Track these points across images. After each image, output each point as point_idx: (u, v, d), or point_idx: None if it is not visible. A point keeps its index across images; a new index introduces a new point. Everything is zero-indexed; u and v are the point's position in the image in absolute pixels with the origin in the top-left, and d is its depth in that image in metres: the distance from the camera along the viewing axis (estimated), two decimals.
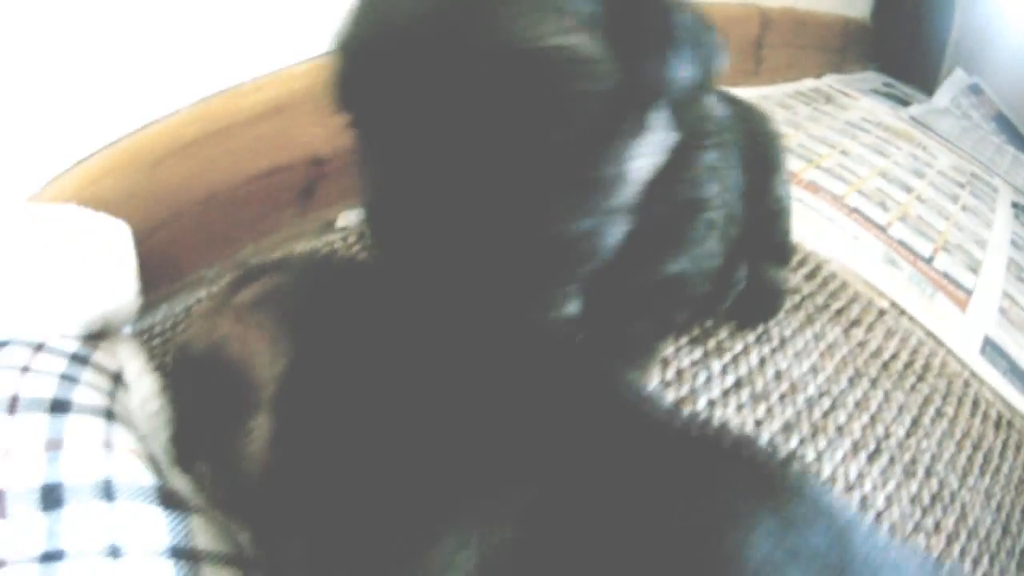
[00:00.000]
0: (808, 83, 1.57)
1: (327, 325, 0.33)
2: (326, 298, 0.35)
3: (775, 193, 0.61)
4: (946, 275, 0.88)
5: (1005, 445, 0.65)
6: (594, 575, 0.22)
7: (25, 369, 0.41)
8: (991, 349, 0.80)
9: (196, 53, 0.62)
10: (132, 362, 0.48)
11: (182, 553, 0.35)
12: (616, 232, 0.35)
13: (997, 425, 0.67)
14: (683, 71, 0.34)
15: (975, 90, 1.90)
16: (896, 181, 1.11)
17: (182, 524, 0.36)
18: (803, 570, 0.22)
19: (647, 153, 0.36)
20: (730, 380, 0.57)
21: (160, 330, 0.56)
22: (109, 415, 0.41)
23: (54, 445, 0.37)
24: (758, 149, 0.57)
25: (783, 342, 0.62)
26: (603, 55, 0.31)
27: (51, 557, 0.32)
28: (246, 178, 0.67)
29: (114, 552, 0.33)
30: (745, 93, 1.29)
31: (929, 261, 0.90)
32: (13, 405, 0.38)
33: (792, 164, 1.02)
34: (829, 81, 1.64)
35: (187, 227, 0.64)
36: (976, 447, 0.63)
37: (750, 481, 0.27)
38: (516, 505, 0.24)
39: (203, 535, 0.37)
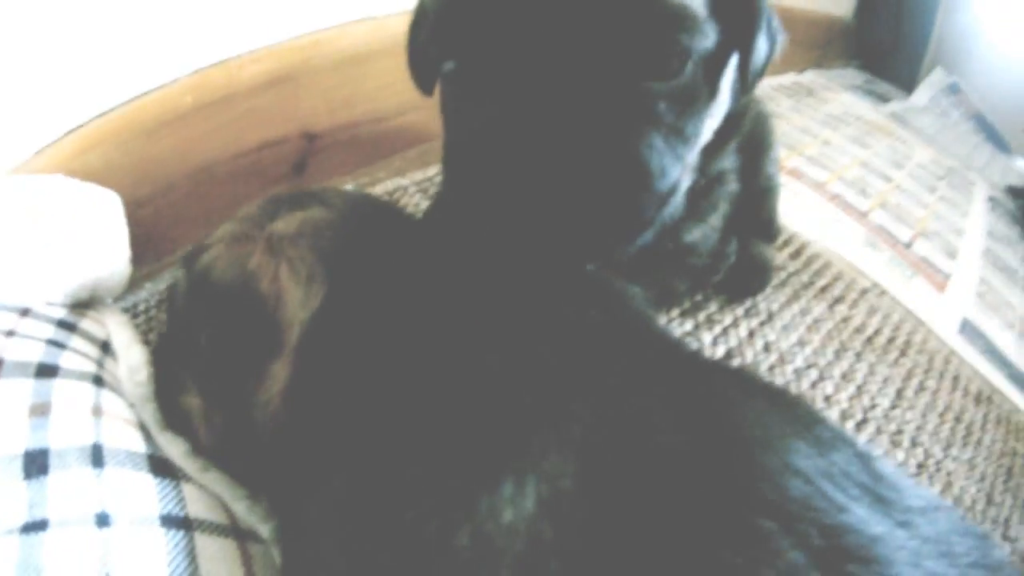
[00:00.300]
0: (790, 77, 1.61)
1: (365, 269, 0.33)
2: (366, 241, 0.34)
3: (766, 171, 0.64)
4: (925, 259, 0.92)
5: (986, 419, 0.68)
6: (650, 508, 0.23)
7: (10, 333, 0.40)
8: (969, 329, 0.83)
9: (193, 23, 0.62)
10: (120, 332, 0.48)
11: (174, 521, 0.34)
12: (685, 187, 0.37)
13: (977, 400, 0.70)
14: (763, 50, 0.38)
15: (954, 89, 1.96)
16: (876, 171, 1.14)
17: (174, 492, 0.35)
18: (837, 486, 0.24)
19: (715, 117, 0.38)
20: (721, 351, 0.59)
21: (144, 307, 0.56)
22: (98, 381, 0.40)
23: (40, 410, 0.36)
24: (751, 130, 0.59)
25: (771, 316, 0.64)
26: (710, 19, 0.33)
27: (34, 527, 0.30)
28: (239, 151, 0.67)
29: (102, 520, 0.31)
30: None
31: (908, 246, 0.93)
32: None
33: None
34: (810, 76, 1.69)
35: (177, 200, 0.64)
36: (958, 420, 0.65)
37: (779, 408, 0.29)
38: (566, 443, 0.24)
39: (196, 504, 0.36)
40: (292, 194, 0.39)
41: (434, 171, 0.76)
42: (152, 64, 0.60)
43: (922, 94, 1.92)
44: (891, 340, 0.69)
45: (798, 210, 0.87)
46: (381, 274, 0.33)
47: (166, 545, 0.32)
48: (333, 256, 0.32)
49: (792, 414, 0.27)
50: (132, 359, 0.46)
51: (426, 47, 0.38)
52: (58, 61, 0.54)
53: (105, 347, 0.45)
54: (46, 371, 0.38)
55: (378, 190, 0.72)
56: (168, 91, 0.61)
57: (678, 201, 0.36)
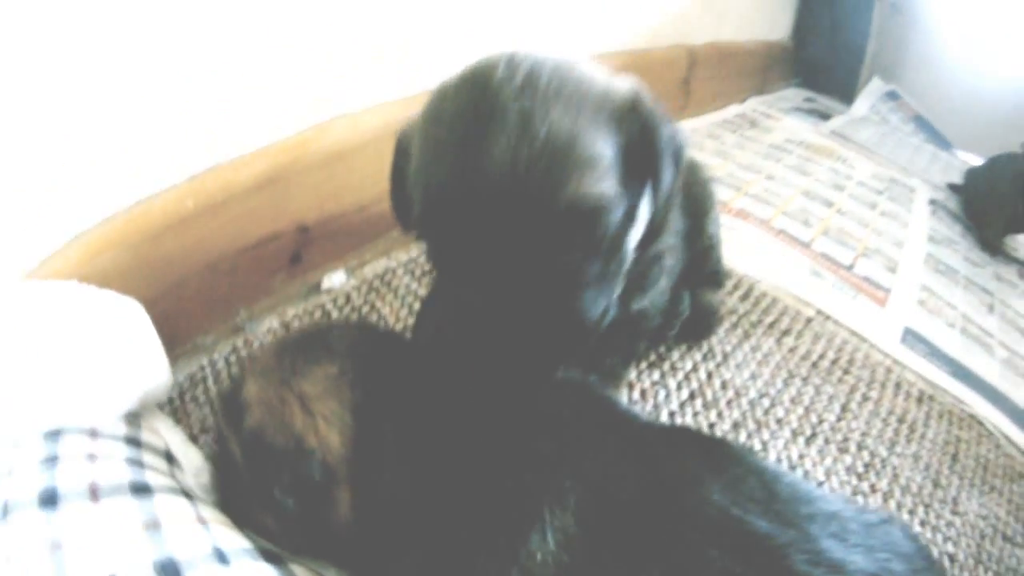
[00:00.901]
0: (733, 110, 1.77)
1: (382, 408, 0.44)
2: (378, 384, 0.46)
3: (708, 231, 0.77)
4: (866, 279, 1.06)
5: (928, 415, 0.82)
6: (623, 535, 0.36)
7: (92, 456, 0.46)
8: (911, 337, 0.97)
9: (185, 130, 0.68)
10: (173, 437, 0.56)
11: None
12: (615, 296, 0.50)
13: (919, 400, 0.83)
14: (668, 178, 0.47)
15: (893, 96, 2.14)
16: (818, 198, 1.30)
17: (286, 573, 0.44)
18: (743, 508, 0.37)
19: (636, 236, 0.50)
20: (685, 394, 0.72)
21: (167, 398, 0.63)
22: (186, 494, 0.47)
23: (153, 525, 0.42)
24: (694, 195, 0.72)
25: (726, 357, 0.78)
26: (619, 190, 0.43)
27: None
28: (240, 247, 0.75)
29: None
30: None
31: (850, 268, 1.08)
32: (94, 493, 0.43)
33: (723, 194, 1.20)
34: (752, 105, 1.85)
35: (185, 296, 0.71)
36: (901, 420, 0.79)
37: (709, 455, 0.42)
38: (566, 507, 0.37)
39: None
40: (301, 341, 0.50)
41: (416, 252, 0.89)
42: (150, 171, 0.66)
43: (862, 104, 2.11)
44: (835, 361, 0.83)
45: (746, 252, 1.02)
46: (394, 401, 0.45)
47: None
48: (353, 400, 0.44)
49: (716, 460, 0.41)
50: (192, 462, 0.55)
51: (404, 208, 0.50)
52: (58, 170, 0.59)
53: (168, 456, 0.53)
54: (141, 489, 0.45)
55: (367, 272, 0.85)
56: (169, 196, 0.67)
57: (612, 309, 0.49)
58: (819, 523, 0.37)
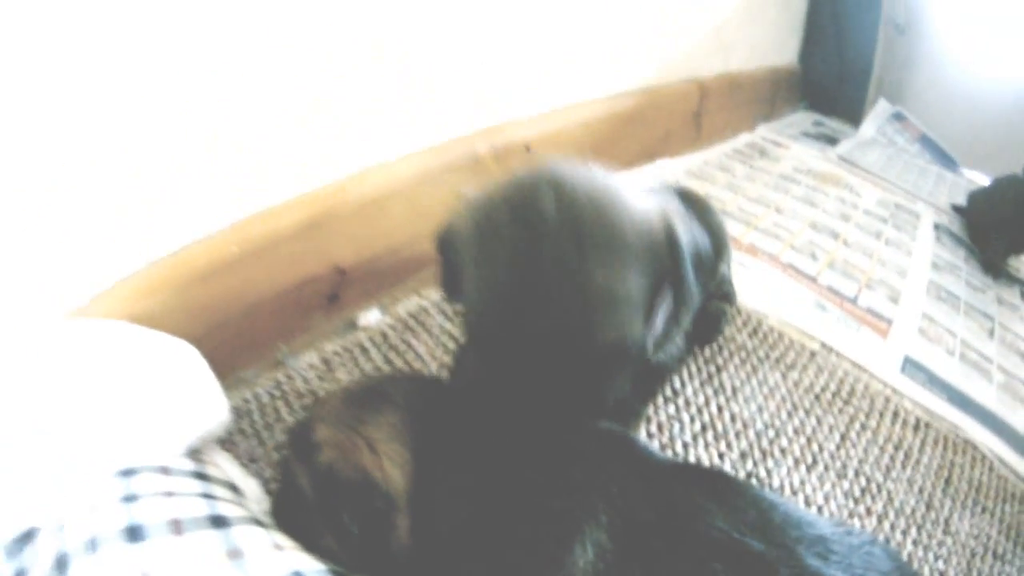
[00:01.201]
0: (743, 139, 1.86)
1: (434, 448, 0.54)
2: (432, 427, 0.55)
3: (723, 273, 0.87)
4: (869, 310, 1.15)
5: (924, 442, 0.90)
6: (644, 547, 0.45)
7: (169, 493, 0.51)
8: (911, 366, 1.06)
9: (231, 177, 0.74)
10: (233, 469, 0.63)
11: None
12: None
13: (916, 428, 0.92)
14: (691, 289, 0.54)
15: (899, 117, 2.23)
16: (825, 229, 1.40)
17: None
18: (741, 533, 0.46)
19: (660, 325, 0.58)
20: (697, 426, 0.81)
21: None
22: (258, 522, 0.53)
23: (235, 555, 0.47)
24: (694, 202, 0.82)
25: (735, 391, 0.87)
26: (643, 329, 0.52)
27: None
28: (282, 289, 0.82)
29: None
30: (688, 160, 1.58)
31: (854, 300, 1.17)
32: (177, 527, 0.48)
33: (734, 229, 1.30)
34: (762, 132, 1.94)
35: (229, 336, 0.77)
36: (897, 447, 0.88)
37: (714, 489, 0.52)
38: (599, 525, 0.46)
39: None
40: (365, 393, 0.59)
41: None
42: (196, 216, 0.73)
43: (869, 126, 2.19)
44: (836, 393, 0.92)
45: (756, 288, 1.12)
46: (446, 441, 0.54)
47: None
48: (412, 442, 0.54)
49: (720, 492, 0.50)
50: (253, 491, 0.61)
51: (451, 287, 0.59)
52: (106, 213, 0.65)
53: (234, 488, 0.59)
54: (218, 521, 0.50)
55: (400, 309, 0.93)
56: (215, 241, 0.74)
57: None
58: (805, 544, 0.46)
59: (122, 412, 0.54)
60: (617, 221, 0.50)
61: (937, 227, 1.62)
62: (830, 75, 2.24)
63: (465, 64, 0.94)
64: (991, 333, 1.25)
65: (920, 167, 2.04)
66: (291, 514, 0.57)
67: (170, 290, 0.71)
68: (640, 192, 0.54)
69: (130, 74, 0.62)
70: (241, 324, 0.79)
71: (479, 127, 1.01)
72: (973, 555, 0.78)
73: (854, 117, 2.25)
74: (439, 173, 0.96)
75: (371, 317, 0.92)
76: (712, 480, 0.55)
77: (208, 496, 0.54)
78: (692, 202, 0.83)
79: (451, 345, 0.89)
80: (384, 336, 0.89)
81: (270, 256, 0.79)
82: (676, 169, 1.53)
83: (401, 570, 0.53)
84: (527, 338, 0.49)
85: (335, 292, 0.90)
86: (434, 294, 0.97)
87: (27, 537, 0.47)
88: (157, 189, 0.68)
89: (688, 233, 0.54)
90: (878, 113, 2.22)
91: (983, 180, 2.05)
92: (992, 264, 1.51)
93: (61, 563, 0.44)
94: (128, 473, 0.51)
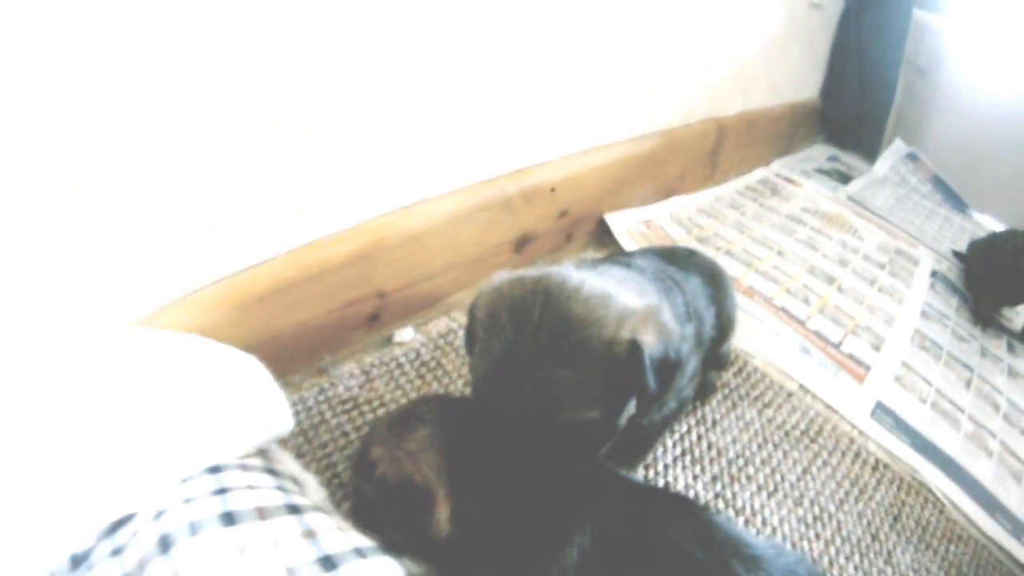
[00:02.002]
0: (757, 174, 2.02)
1: (465, 456, 0.71)
2: (458, 438, 0.73)
3: (728, 311, 1.04)
4: (851, 356, 1.32)
5: (880, 481, 1.07)
6: (618, 550, 0.63)
7: (251, 487, 0.62)
8: (880, 411, 1.22)
9: (289, 209, 0.86)
10: (293, 466, 0.74)
11: None
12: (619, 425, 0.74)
13: (875, 467, 1.09)
14: (653, 391, 0.66)
15: (913, 158, 2.39)
16: (822, 275, 1.57)
17: (399, 563, 0.61)
18: (690, 545, 0.64)
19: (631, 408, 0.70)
20: (678, 451, 0.99)
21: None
22: (321, 510, 0.64)
23: (310, 535, 0.59)
24: (717, 285, 0.98)
25: (714, 423, 1.05)
26: (607, 405, 0.66)
27: None
28: (329, 310, 0.96)
29: None
30: (702, 196, 1.74)
31: (838, 346, 1.34)
32: (262, 513, 0.59)
33: (736, 270, 1.47)
34: (776, 168, 2.10)
35: (281, 347, 0.90)
36: (853, 484, 1.05)
37: (678, 509, 0.70)
38: (584, 532, 0.64)
39: (411, 568, 0.63)
40: (403, 416, 0.75)
41: None
42: (258, 242, 0.85)
43: (883, 164, 2.36)
44: (804, 431, 1.10)
45: (747, 330, 1.29)
46: (471, 446, 0.72)
47: None
48: (443, 450, 0.71)
49: (680, 514, 0.68)
50: (311, 484, 0.73)
51: (471, 347, 0.73)
52: (178, 232, 0.76)
53: (295, 480, 0.71)
54: (293, 508, 0.61)
55: (431, 329, 1.11)
56: (273, 266, 0.87)
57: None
58: (738, 558, 0.64)
59: (204, 416, 0.66)
60: (583, 335, 0.64)
61: (934, 274, 1.78)
62: (850, 111, 2.41)
63: (496, 113, 1.10)
64: (968, 384, 1.40)
65: (928, 209, 2.20)
66: (363, 516, 0.75)
67: (231, 306, 0.83)
68: (626, 299, 0.70)
69: (217, 109, 0.74)
70: (291, 336, 0.92)
71: (508, 170, 1.18)
72: None
73: (870, 153, 2.42)
74: (473, 211, 1.11)
75: (406, 335, 1.09)
76: (676, 502, 0.74)
77: (281, 488, 0.66)
78: (714, 280, 0.99)
79: None
80: (417, 352, 1.06)
81: (321, 281, 0.93)
82: (689, 206, 1.70)
83: (446, 551, 0.70)
84: (506, 409, 0.67)
85: (376, 312, 1.05)
86: (461, 318, 1.15)
87: (121, 522, 0.59)
88: (224, 215, 0.80)
89: (660, 343, 0.67)
90: (893, 152, 2.39)
91: (992, 223, 2.21)
92: (982, 315, 1.67)
93: (165, 543, 0.56)
94: (215, 470, 0.63)
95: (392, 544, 0.67)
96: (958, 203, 2.32)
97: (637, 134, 1.48)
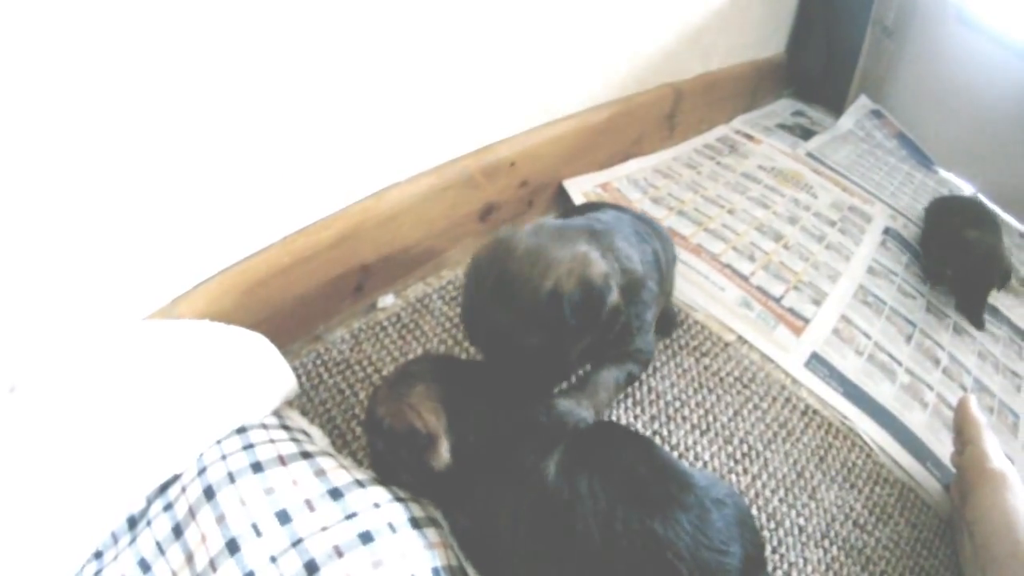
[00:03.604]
0: (717, 132, 2.17)
1: (456, 400, 0.87)
2: (452, 387, 0.89)
3: (671, 276, 1.24)
4: (791, 310, 1.49)
5: (808, 425, 1.24)
6: (586, 464, 0.80)
7: (272, 441, 0.80)
8: (815, 361, 1.38)
9: (280, 201, 1.03)
10: (302, 420, 0.93)
11: (414, 521, 0.78)
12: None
13: (804, 412, 1.26)
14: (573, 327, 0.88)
15: (877, 114, 2.57)
16: (770, 232, 1.74)
17: (405, 506, 0.79)
18: (638, 466, 0.81)
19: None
20: (621, 395, 1.18)
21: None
22: (328, 454, 0.83)
23: (321, 473, 0.77)
24: (666, 249, 1.20)
25: (654, 370, 1.23)
26: (553, 337, 0.87)
27: (350, 516, 0.72)
28: (321, 284, 1.14)
29: (384, 522, 0.74)
30: (659, 156, 1.91)
31: (779, 300, 1.50)
32: (283, 460, 0.77)
33: (686, 228, 1.65)
34: (737, 125, 2.25)
35: (281, 321, 1.08)
36: (782, 426, 1.22)
37: (633, 442, 0.90)
38: (559, 452, 0.81)
39: (417, 509, 0.80)
40: (401, 376, 0.90)
41: (447, 277, 1.36)
42: (254, 233, 1.02)
43: (848, 119, 2.52)
44: (738, 378, 1.28)
45: (692, 286, 1.47)
46: (463, 393, 0.89)
47: (418, 539, 0.76)
48: (439, 397, 0.87)
49: (636, 444, 0.88)
50: (316, 434, 0.92)
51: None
52: (187, 228, 0.91)
53: (305, 433, 0.89)
54: (306, 454, 0.80)
55: (410, 294, 1.31)
56: (271, 253, 1.04)
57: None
58: (674, 480, 0.81)
59: (227, 388, 0.83)
60: (515, 288, 0.87)
61: (887, 231, 1.94)
62: (816, 68, 2.59)
63: (457, 98, 1.25)
64: (909, 338, 1.56)
65: (891, 165, 2.36)
66: (379, 467, 0.93)
67: (237, 292, 1.00)
68: (558, 252, 0.90)
69: (217, 112, 0.87)
70: (289, 312, 1.11)
71: (470, 149, 1.36)
72: (833, 520, 1.06)
73: (836, 108, 2.60)
74: (440, 190, 1.29)
75: (387, 300, 1.29)
76: (633, 436, 0.95)
77: (295, 440, 0.83)
78: (651, 225, 1.24)
79: (448, 324, 1.27)
80: (398, 316, 1.26)
81: (312, 262, 1.11)
82: (646, 167, 1.86)
83: (450, 481, 0.86)
84: (474, 340, 0.95)
85: (360, 284, 1.24)
86: (435, 282, 1.36)
87: (169, 483, 0.75)
88: (225, 213, 0.96)
89: (579, 289, 0.87)
90: (857, 108, 2.56)
91: (958, 181, 2.40)
92: (932, 272, 1.82)
93: (209, 492, 0.73)
94: (242, 430, 0.81)
95: (406, 486, 0.86)
96: (923, 159, 2.47)
97: (593, 104, 1.64)
